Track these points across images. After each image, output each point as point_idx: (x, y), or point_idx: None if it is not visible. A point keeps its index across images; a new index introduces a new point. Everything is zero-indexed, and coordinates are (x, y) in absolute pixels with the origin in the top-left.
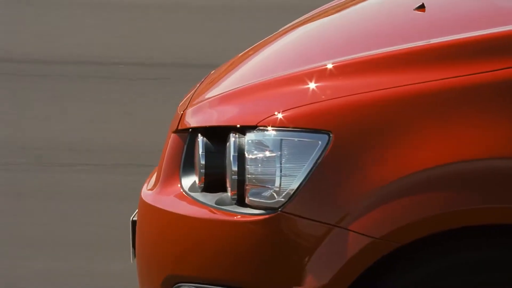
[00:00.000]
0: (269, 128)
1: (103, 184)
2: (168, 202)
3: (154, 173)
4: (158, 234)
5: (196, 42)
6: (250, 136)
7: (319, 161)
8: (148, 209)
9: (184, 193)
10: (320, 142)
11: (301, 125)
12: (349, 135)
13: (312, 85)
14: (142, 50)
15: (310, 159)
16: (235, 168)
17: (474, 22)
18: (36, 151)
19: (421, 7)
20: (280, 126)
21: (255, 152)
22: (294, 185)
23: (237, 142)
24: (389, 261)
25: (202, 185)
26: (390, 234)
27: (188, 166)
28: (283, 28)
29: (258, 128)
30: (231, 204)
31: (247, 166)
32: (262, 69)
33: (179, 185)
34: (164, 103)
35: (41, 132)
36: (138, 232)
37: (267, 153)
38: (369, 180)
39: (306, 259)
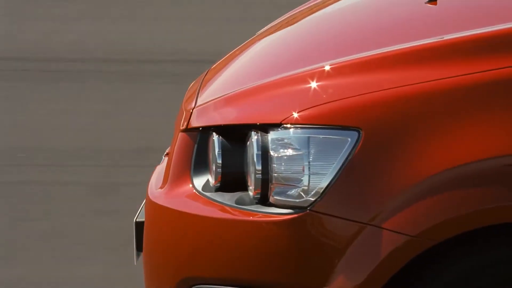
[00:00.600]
0: (295, 125)
1: None
2: (181, 202)
3: (157, 172)
4: (171, 235)
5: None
6: (274, 134)
7: (349, 158)
8: (159, 210)
9: (198, 193)
10: (349, 139)
11: (329, 122)
12: (379, 131)
13: (338, 81)
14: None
15: (340, 156)
16: (259, 167)
17: (492, 16)
18: None
19: (433, 0)
20: (306, 123)
21: (281, 150)
22: (324, 183)
23: (260, 141)
24: (422, 260)
25: (218, 185)
26: (426, 231)
27: (198, 165)
28: (287, 16)
29: (282, 125)
30: (252, 204)
31: (273, 165)
32: (275, 64)
33: (190, 185)
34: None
35: None
36: (146, 233)
37: (294, 151)
38: (402, 177)
39: (337, 258)
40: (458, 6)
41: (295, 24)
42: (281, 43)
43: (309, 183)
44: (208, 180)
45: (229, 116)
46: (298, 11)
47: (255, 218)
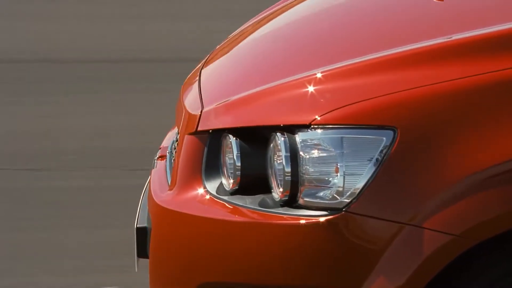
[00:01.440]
0: (327, 126)
1: None
2: (197, 207)
3: (156, 176)
4: (187, 241)
5: None
6: (303, 135)
7: (385, 158)
8: (171, 216)
9: (214, 197)
10: (384, 138)
11: (362, 121)
12: (415, 130)
13: (366, 80)
14: None
15: (375, 157)
16: (288, 169)
17: None
18: None
19: None
20: (338, 123)
21: (311, 151)
22: (359, 184)
23: (288, 142)
24: (463, 260)
25: (236, 188)
26: (470, 230)
27: (209, 168)
28: (285, 3)
29: (312, 126)
30: (276, 206)
31: (303, 166)
32: (287, 62)
33: (203, 189)
34: None
35: None
36: (155, 239)
37: (326, 152)
38: (442, 175)
39: (376, 260)
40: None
41: (300, 16)
42: (287, 38)
43: (344, 184)
44: (221, 184)
45: (246, 118)
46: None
47: (286, 221)
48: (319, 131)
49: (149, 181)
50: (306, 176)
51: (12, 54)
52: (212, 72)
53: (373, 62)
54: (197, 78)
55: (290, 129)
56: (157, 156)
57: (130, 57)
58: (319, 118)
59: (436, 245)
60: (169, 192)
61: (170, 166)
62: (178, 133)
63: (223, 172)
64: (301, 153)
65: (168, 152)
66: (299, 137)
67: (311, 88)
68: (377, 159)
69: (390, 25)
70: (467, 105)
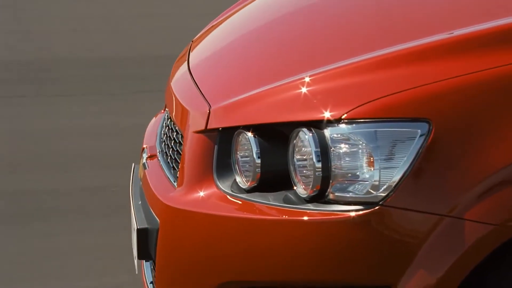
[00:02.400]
0: (359, 120)
1: None
2: (213, 205)
3: (153, 175)
4: (204, 240)
5: None
6: (334, 130)
7: (421, 151)
8: (183, 215)
9: (230, 195)
10: (419, 131)
11: (395, 114)
12: (450, 121)
13: (394, 72)
14: None
15: (411, 149)
16: (319, 164)
17: None
18: None
19: None
20: (371, 117)
21: (343, 146)
22: (396, 177)
23: (316, 138)
24: (499, 252)
25: (255, 185)
26: (510, 219)
27: (219, 167)
28: None
29: (343, 121)
30: (301, 202)
31: (335, 161)
32: (301, 56)
33: (216, 187)
34: None
35: None
36: (164, 240)
37: (359, 146)
38: (479, 166)
39: (414, 253)
40: None
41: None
42: (293, 30)
43: (379, 178)
44: (234, 182)
45: (266, 115)
46: None
47: (318, 217)
48: (350, 125)
49: (142, 183)
50: (338, 170)
51: None
52: (209, 69)
53: (399, 54)
54: (189, 74)
55: (316, 125)
56: (147, 156)
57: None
58: (349, 113)
59: (476, 236)
60: (176, 191)
61: (167, 166)
62: (174, 131)
63: (236, 170)
64: (332, 148)
65: (159, 152)
66: (329, 132)
67: (337, 82)
68: (412, 152)
69: (408, 16)
70: (501, 95)
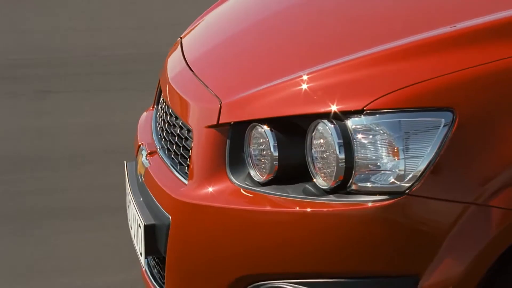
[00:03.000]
0: (381, 110)
1: None
2: (228, 199)
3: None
4: (222, 234)
5: None
6: (356, 121)
7: (445, 140)
8: (198, 210)
9: (244, 188)
10: (443, 120)
11: (419, 104)
12: (473, 110)
13: (414, 62)
14: None
15: (435, 138)
16: (342, 155)
17: None
18: None
19: None
20: (394, 107)
21: (366, 136)
22: (421, 166)
23: (338, 129)
24: None
25: (271, 178)
26: None
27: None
28: None
29: (365, 112)
30: (322, 194)
31: (358, 152)
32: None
33: (230, 181)
34: None
35: None
36: (178, 235)
37: (384, 137)
38: (505, 153)
39: (440, 242)
40: None
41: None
42: (299, 21)
43: (405, 168)
44: (248, 175)
45: (282, 108)
46: None
47: (342, 208)
48: (373, 116)
49: (144, 180)
50: (362, 161)
51: None
52: (211, 64)
53: (419, 44)
54: (188, 69)
55: (336, 116)
56: (146, 153)
57: None
58: (372, 103)
59: (504, 223)
60: (188, 187)
61: (172, 162)
62: (178, 127)
63: (250, 164)
64: (355, 139)
65: (160, 148)
66: (351, 123)
67: (355, 74)
68: (437, 141)
69: (423, 5)
70: None
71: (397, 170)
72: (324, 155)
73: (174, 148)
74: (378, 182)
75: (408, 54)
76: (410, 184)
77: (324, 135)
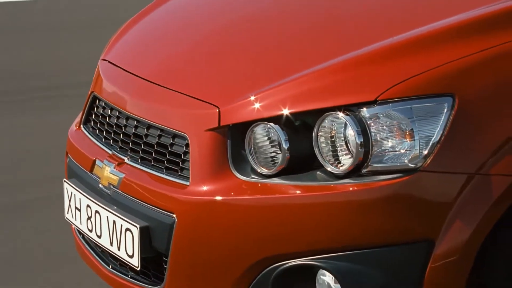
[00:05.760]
0: (392, 99)
1: None
2: (239, 192)
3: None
4: (237, 224)
5: None
6: (371, 110)
7: (449, 121)
8: (209, 207)
9: (251, 181)
10: (446, 104)
11: (423, 92)
12: (471, 93)
13: (414, 54)
14: None
15: (441, 121)
16: (360, 140)
17: None
18: None
19: None
20: (403, 96)
21: (382, 123)
22: (430, 145)
23: (354, 118)
24: None
25: (281, 169)
26: None
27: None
28: None
29: (378, 101)
30: (334, 179)
31: (375, 137)
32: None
33: (236, 176)
34: None
35: None
36: (185, 234)
37: (398, 122)
38: (502, 129)
39: (450, 208)
40: None
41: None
42: (297, 21)
43: (418, 147)
44: (251, 170)
45: (294, 104)
46: None
47: (362, 188)
48: (386, 105)
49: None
50: (379, 145)
51: None
52: (176, 72)
53: (417, 38)
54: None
55: (347, 109)
56: (114, 165)
57: None
58: (383, 94)
59: (504, 186)
60: (193, 187)
61: (155, 168)
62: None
63: (253, 160)
64: (370, 126)
65: (129, 158)
66: (365, 113)
67: (362, 69)
68: (443, 123)
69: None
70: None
71: (411, 150)
72: (341, 143)
73: (155, 155)
74: (393, 162)
75: (411, 46)
76: (422, 161)
77: (337, 126)
